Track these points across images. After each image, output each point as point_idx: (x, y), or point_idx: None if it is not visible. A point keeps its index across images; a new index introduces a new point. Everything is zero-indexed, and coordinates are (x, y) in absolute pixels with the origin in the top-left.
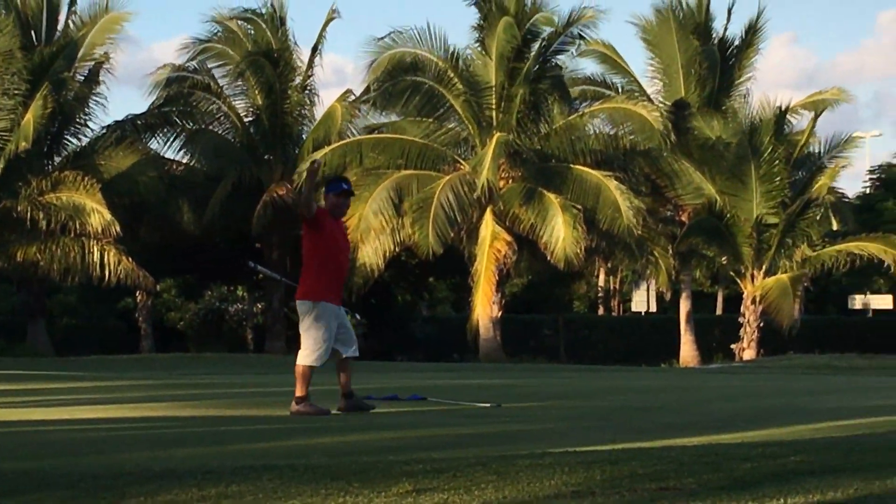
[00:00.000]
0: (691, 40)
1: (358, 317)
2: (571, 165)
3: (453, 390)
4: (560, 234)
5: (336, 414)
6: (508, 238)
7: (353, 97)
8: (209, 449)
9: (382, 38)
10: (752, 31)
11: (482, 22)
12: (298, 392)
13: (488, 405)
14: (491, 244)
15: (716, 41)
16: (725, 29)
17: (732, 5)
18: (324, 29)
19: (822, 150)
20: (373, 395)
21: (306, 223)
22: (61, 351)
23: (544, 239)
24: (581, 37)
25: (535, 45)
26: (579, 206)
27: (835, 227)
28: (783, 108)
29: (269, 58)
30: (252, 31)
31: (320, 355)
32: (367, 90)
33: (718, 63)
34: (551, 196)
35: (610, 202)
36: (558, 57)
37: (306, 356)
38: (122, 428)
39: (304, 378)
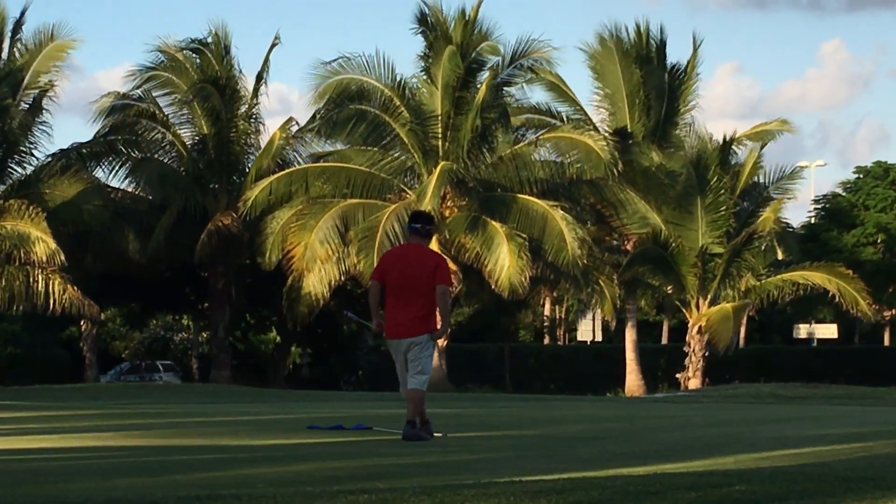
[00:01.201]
0: (633, 70)
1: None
2: (517, 195)
3: (399, 419)
4: (505, 262)
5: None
6: (453, 267)
7: (296, 125)
8: (154, 479)
9: (330, 63)
10: (692, 63)
11: (428, 51)
12: (423, 416)
13: (437, 435)
14: None
15: (659, 71)
16: (665, 59)
17: (665, 39)
18: (268, 56)
19: (767, 181)
20: (317, 425)
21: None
22: (4, 380)
23: (489, 267)
24: (532, 70)
25: (482, 75)
26: (524, 235)
27: (780, 256)
28: (728, 140)
29: (216, 86)
30: (198, 61)
31: None
32: (312, 118)
33: (665, 93)
34: (496, 225)
35: (556, 233)
36: (507, 88)
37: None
38: (67, 458)
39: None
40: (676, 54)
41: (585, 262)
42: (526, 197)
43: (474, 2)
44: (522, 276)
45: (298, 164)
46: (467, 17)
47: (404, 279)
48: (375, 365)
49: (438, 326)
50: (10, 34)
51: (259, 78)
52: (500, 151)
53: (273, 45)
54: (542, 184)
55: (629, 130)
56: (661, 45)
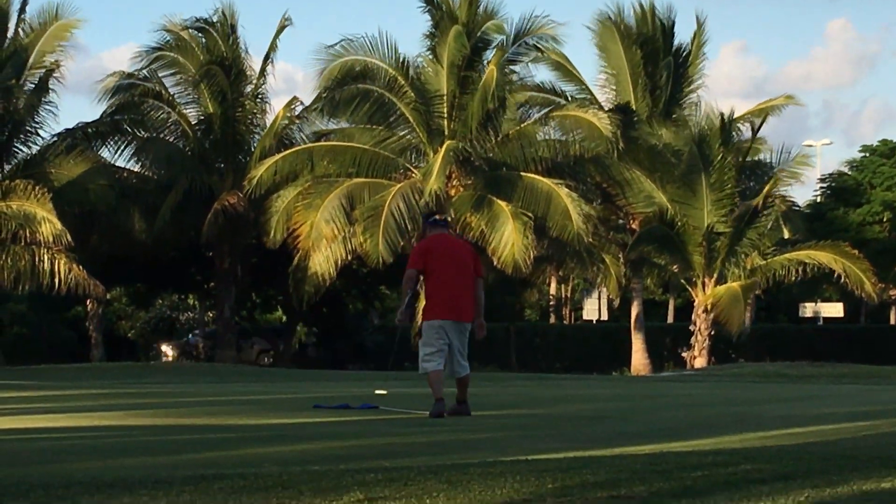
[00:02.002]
0: (635, 50)
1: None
2: (522, 173)
3: (405, 399)
4: (509, 240)
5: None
6: None
7: (300, 105)
8: (160, 458)
9: (333, 46)
10: (697, 41)
11: (433, 30)
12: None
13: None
14: None
15: (664, 50)
16: (672, 39)
17: (674, 18)
18: (277, 36)
19: (774, 161)
20: (322, 404)
21: None
22: (11, 360)
23: (493, 245)
24: (538, 48)
25: (488, 54)
26: (530, 214)
27: (787, 235)
28: (730, 116)
29: (222, 66)
30: (204, 40)
31: None
32: (317, 98)
33: (670, 72)
34: (502, 203)
35: (560, 209)
36: (511, 67)
37: None
38: (73, 437)
39: None
40: (682, 33)
41: (590, 238)
42: (531, 175)
43: None
44: (526, 254)
45: (303, 143)
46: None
47: (458, 266)
48: (381, 345)
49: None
50: (16, 15)
51: (266, 58)
52: (504, 130)
53: (283, 27)
54: (548, 162)
55: (634, 109)
56: (670, 25)
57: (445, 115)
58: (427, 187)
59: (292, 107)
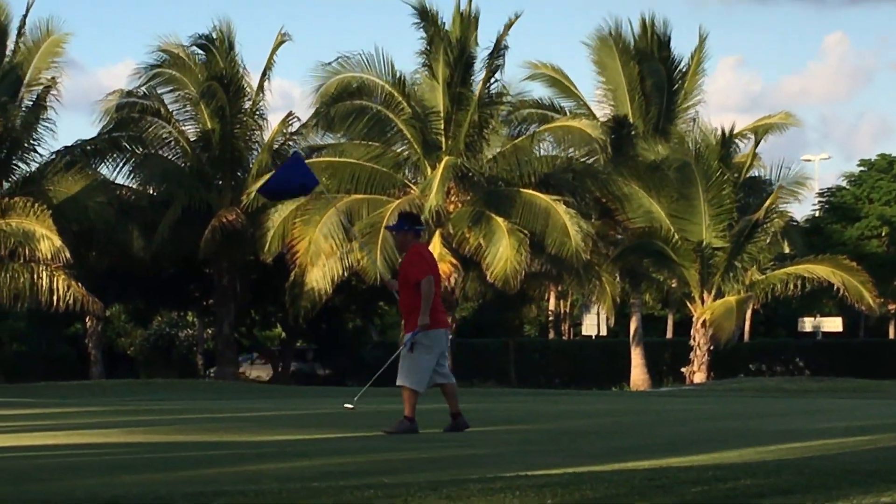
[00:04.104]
0: (632, 66)
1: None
2: (520, 189)
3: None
4: (503, 255)
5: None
6: (454, 261)
7: (296, 121)
8: (159, 475)
9: (329, 64)
10: (697, 57)
11: (427, 46)
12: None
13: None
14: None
15: (659, 66)
16: (670, 54)
17: (670, 34)
18: (273, 52)
19: (773, 177)
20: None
21: None
22: (10, 377)
23: (487, 260)
24: (505, 46)
25: (481, 69)
26: (526, 231)
27: (786, 250)
28: (730, 132)
29: (220, 82)
30: (204, 57)
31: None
32: (314, 114)
33: (668, 87)
34: (499, 220)
35: (559, 226)
36: (497, 76)
37: None
38: (72, 455)
39: None
40: (679, 48)
41: (588, 255)
42: (529, 191)
43: None
44: (519, 269)
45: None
46: (463, 12)
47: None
48: (380, 360)
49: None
50: (16, 30)
51: (264, 74)
52: (501, 146)
53: (280, 42)
54: (546, 177)
55: (631, 122)
56: (667, 40)
57: (442, 131)
58: (427, 203)
59: (288, 122)
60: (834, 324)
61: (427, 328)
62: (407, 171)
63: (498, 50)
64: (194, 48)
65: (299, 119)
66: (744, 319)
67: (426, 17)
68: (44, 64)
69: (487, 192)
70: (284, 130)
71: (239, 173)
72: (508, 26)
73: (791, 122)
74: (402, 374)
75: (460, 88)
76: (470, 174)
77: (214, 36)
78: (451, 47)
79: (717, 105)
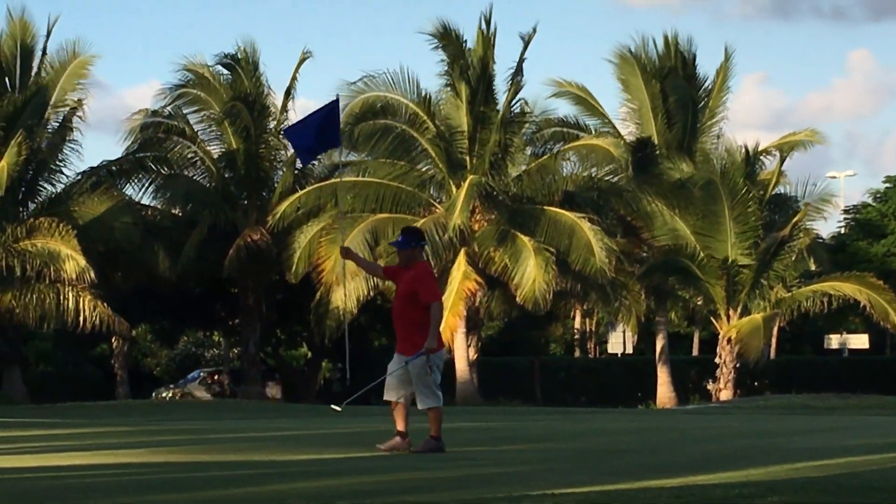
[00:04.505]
0: (654, 84)
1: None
2: (545, 207)
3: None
4: (531, 275)
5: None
6: (479, 279)
7: None
8: (186, 495)
9: (354, 83)
10: (723, 75)
11: (450, 66)
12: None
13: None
14: (461, 282)
15: (684, 84)
16: (695, 71)
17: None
18: (297, 70)
19: (800, 194)
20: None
21: None
22: (37, 398)
23: (515, 280)
24: (525, 59)
25: (503, 88)
26: (552, 249)
27: (812, 267)
28: (755, 149)
29: (245, 102)
30: (229, 77)
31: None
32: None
33: (689, 105)
34: (525, 239)
35: (583, 243)
36: (521, 94)
37: None
38: (98, 475)
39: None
40: (702, 65)
41: (612, 272)
42: (554, 209)
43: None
44: (547, 290)
45: (323, 177)
46: (485, 31)
47: (396, 301)
48: None
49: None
50: (40, 52)
51: (287, 94)
52: (525, 163)
53: (303, 59)
54: (570, 196)
55: (654, 141)
56: (691, 57)
57: (466, 150)
58: (451, 222)
59: None
60: (860, 341)
61: (434, 351)
62: (432, 190)
63: (520, 67)
64: (219, 68)
65: None
66: (770, 337)
67: (447, 38)
68: (70, 85)
69: (512, 210)
70: None
71: (264, 193)
72: (528, 41)
73: (816, 140)
74: (422, 397)
75: (483, 107)
76: (494, 193)
77: (239, 56)
78: (474, 66)
79: (741, 122)
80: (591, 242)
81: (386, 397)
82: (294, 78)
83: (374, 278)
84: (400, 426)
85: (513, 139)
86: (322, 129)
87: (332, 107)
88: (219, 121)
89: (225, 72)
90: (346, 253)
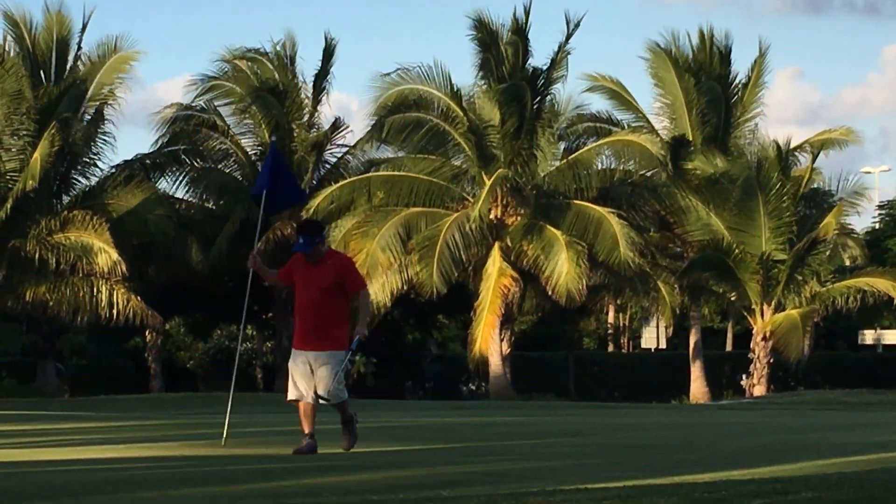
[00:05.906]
0: (688, 79)
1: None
2: (574, 201)
3: (462, 428)
4: (563, 269)
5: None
6: (515, 275)
7: (350, 131)
8: (219, 488)
9: (389, 75)
10: (758, 70)
11: (484, 59)
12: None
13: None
14: (497, 279)
15: (721, 78)
16: (729, 67)
17: (730, 46)
18: (326, 60)
19: (833, 189)
20: None
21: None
22: (71, 391)
23: (546, 274)
24: (567, 52)
25: (538, 83)
26: (583, 243)
27: (846, 262)
28: (790, 146)
29: (275, 94)
30: (258, 70)
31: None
32: (372, 126)
33: (723, 100)
34: (556, 232)
35: (609, 235)
36: (553, 88)
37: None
38: (132, 468)
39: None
40: (736, 61)
41: (639, 262)
42: (582, 203)
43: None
44: (580, 284)
45: (358, 171)
46: (520, 25)
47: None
48: (439, 373)
49: None
50: (76, 46)
51: (321, 87)
52: (558, 158)
53: (330, 46)
54: (604, 191)
55: (689, 139)
56: (727, 52)
57: (499, 144)
58: (473, 213)
59: (341, 131)
60: (894, 336)
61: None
62: (464, 183)
63: (557, 62)
64: (254, 57)
65: (348, 126)
66: (808, 333)
67: (482, 31)
68: (108, 79)
69: (542, 204)
70: (333, 139)
71: None
72: (569, 36)
73: (851, 139)
74: (339, 390)
75: (516, 102)
76: (524, 186)
77: (270, 49)
78: (508, 59)
79: (776, 117)
80: (616, 233)
81: (292, 397)
82: (325, 68)
83: (408, 270)
84: (309, 427)
85: (546, 133)
86: (274, 179)
87: (271, 152)
88: (251, 114)
89: (261, 62)
90: (254, 262)
